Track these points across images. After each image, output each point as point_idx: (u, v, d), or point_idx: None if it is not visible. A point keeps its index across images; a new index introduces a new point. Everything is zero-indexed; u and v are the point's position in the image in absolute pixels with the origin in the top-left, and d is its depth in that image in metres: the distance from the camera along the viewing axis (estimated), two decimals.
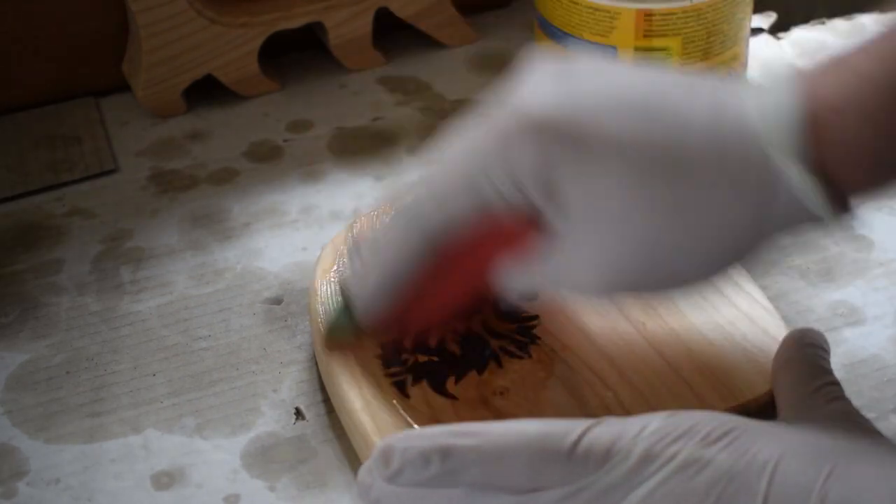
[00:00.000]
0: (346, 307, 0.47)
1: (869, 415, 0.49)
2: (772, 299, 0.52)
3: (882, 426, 0.48)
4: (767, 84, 0.41)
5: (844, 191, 0.40)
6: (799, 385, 0.44)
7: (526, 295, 0.46)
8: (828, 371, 0.45)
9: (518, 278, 0.44)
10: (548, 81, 0.42)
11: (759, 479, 0.38)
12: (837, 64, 0.41)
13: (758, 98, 0.40)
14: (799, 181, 0.40)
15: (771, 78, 0.41)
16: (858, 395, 0.50)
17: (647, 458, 0.38)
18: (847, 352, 0.52)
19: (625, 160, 0.40)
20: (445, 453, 0.39)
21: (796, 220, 0.41)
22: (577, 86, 0.41)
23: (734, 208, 0.40)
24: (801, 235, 0.42)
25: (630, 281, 0.42)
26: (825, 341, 0.47)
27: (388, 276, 0.45)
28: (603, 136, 0.40)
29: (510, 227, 0.42)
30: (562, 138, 0.40)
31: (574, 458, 0.39)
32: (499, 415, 0.46)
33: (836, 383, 0.44)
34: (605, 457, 0.39)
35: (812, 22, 0.77)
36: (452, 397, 0.47)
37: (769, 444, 0.39)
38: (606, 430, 0.39)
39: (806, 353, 0.46)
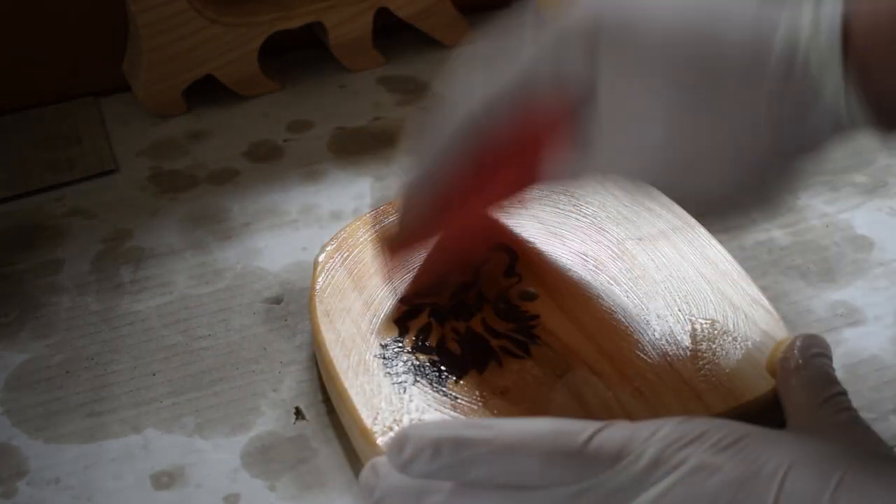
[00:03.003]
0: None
1: (869, 415, 0.49)
2: (772, 299, 0.52)
3: (882, 426, 0.49)
4: None
5: (885, 104, 0.39)
6: (808, 395, 0.44)
7: (570, 176, 0.46)
8: (835, 381, 0.45)
9: (561, 166, 0.45)
10: None
11: (768, 487, 0.38)
12: None
13: (801, 9, 0.40)
14: (837, 92, 0.39)
15: None
16: (858, 395, 0.50)
17: (658, 462, 0.38)
18: (847, 352, 0.52)
19: (665, 56, 0.40)
20: (457, 444, 0.39)
21: (831, 133, 0.40)
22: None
23: (762, 113, 0.40)
24: (831, 149, 0.41)
25: (661, 173, 0.42)
26: (828, 347, 0.47)
27: (439, 177, 0.46)
28: (648, 32, 0.41)
29: (553, 116, 0.43)
30: (613, 34, 0.41)
31: (585, 457, 0.39)
32: (499, 415, 0.46)
33: (843, 393, 0.44)
34: (615, 457, 0.39)
35: None
36: (453, 397, 0.47)
37: (779, 452, 0.39)
38: (618, 432, 0.39)
39: (813, 361, 0.46)
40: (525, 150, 0.45)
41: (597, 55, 0.41)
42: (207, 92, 0.71)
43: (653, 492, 0.38)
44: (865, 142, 0.65)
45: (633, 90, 0.41)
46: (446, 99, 0.46)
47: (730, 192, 0.42)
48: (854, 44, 0.38)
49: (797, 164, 0.41)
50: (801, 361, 0.46)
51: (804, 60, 0.39)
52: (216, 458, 0.49)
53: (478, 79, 0.45)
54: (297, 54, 0.75)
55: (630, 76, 0.41)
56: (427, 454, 0.39)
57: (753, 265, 0.57)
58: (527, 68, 0.44)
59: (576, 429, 0.40)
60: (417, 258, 0.51)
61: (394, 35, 0.75)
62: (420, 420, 0.46)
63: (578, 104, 0.43)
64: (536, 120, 0.44)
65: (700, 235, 0.54)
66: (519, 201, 0.49)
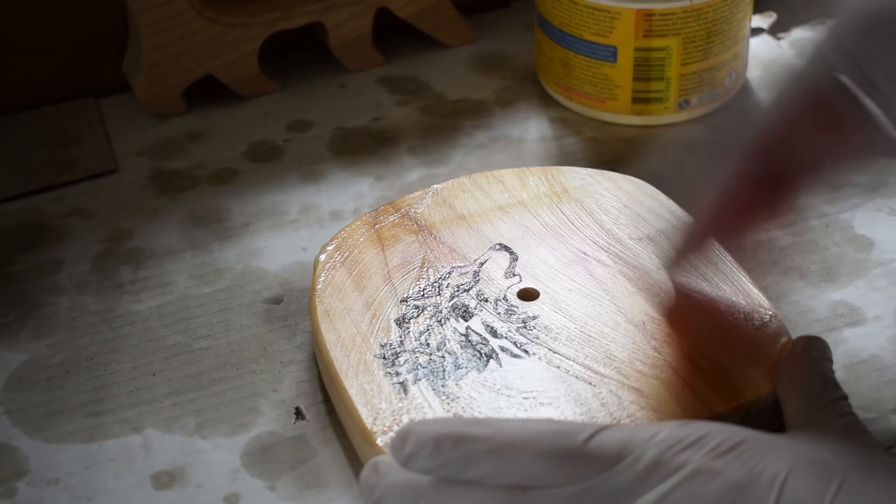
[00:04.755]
0: None
1: (869, 415, 0.49)
2: (772, 299, 0.52)
3: (882, 426, 0.49)
4: None
5: None
6: (808, 398, 0.44)
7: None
8: (836, 385, 0.45)
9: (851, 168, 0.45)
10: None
11: (768, 492, 0.38)
12: None
13: None
14: None
15: None
16: (858, 395, 0.50)
17: (657, 465, 0.38)
18: (847, 352, 0.52)
19: None
20: (457, 441, 0.39)
21: None
22: None
23: None
24: None
25: None
26: (829, 349, 0.47)
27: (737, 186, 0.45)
28: None
29: (844, 121, 0.43)
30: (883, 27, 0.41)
31: (584, 457, 0.39)
32: (499, 415, 0.46)
33: (844, 398, 0.44)
34: (614, 458, 0.39)
35: (812, 22, 0.77)
36: (453, 397, 0.47)
37: (779, 457, 0.39)
38: (617, 433, 0.39)
39: (814, 365, 0.46)
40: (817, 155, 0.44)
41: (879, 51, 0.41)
42: (207, 92, 0.71)
43: (652, 495, 0.38)
44: None
45: None
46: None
47: None
48: None
49: None
50: (801, 365, 0.46)
51: None
52: (216, 458, 0.49)
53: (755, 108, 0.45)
54: (297, 54, 0.74)
55: None
56: (428, 450, 0.39)
57: (753, 265, 0.57)
58: (813, 71, 0.43)
59: (575, 429, 0.40)
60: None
61: (394, 35, 0.75)
62: (419, 420, 0.46)
63: (865, 112, 0.42)
64: (826, 120, 0.43)
65: None
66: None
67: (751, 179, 0.45)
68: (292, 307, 0.56)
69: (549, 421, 0.41)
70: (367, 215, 0.57)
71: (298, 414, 0.51)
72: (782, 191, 0.45)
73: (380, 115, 0.70)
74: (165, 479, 0.48)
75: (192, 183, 0.65)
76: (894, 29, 0.41)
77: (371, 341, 0.50)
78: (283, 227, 0.62)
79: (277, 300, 0.57)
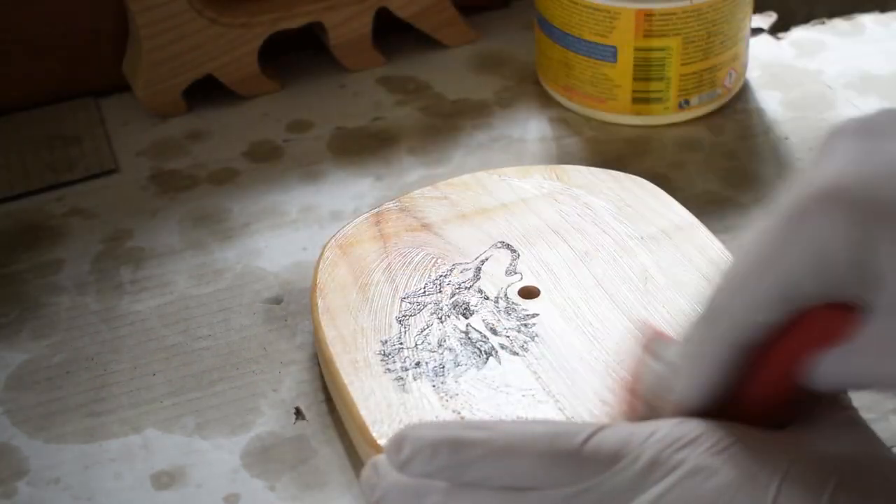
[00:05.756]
0: None
1: (869, 415, 0.49)
2: None
3: (882, 426, 0.48)
4: None
5: None
6: (807, 393, 0.44)
7: (840, 386, 0.40)
8: None
9: (832, 369, 0.38)
10: (851, 148, 0.37)
11: (766, 489, 0.38)
12: None
13: None
14: None
15: None
16: (858, 395, 0.50)
17: (655, 464, 0.38)
18: None
19: None
20: (455, 445, 0.39)
21: None
22: (888, 151, 0.36)
23: None
24: None
25: None
26: None
27: (699, 385, 0.40)
28: None
29: (823, 317, 0.38)
30: (877, 212, 0.35)
31: (582, 458, 0.39)
32: (498, 414, 0.46)
33: (844, 391, 0.44)
34: (612, 459, 0.39)
35: (812, 22, 0.77)
36: (452, 395, 0.47)
37: (777, 453, 0.39)
38: (615, 433, 0.39)
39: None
40: (793, 355, 0.39)
41: (869, 244, 0.35)
42: (207, 92, 0.71)
43: (650, 494, 0.38)
44: None
45: None
46: (701, 320, 0.40)
47: None
48: None
49: None
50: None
51: None
52: (216, 458, 0.49)
53: (730, 299, 0.39)
54: (297, 54, 0.74)
55: None
56: (425, 455, 0.39)
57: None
58: (785, 278, 0.37)
59: (573, 430, 0.39)
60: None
61: (394, 35, 0.75)
62: (420, 418, 0.46)
63: (850, 305, 0.37)
64: (804, 328, 0.38)
65: (702, 235, 0.54)
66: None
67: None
68: (292, 307, 0.56)
69: (547, 422, 0.41)
70: (370, 212, 0.57)
71: (298, 414, 0.51)
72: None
73: (380, 115, 0.70)
74: (165, 479, 0.48)
75: (192, 183, 0.65)
76: None
77: (372, 338, 0.50)
78: (283, 227, 0.62)
79: (277, 300, 0.57)
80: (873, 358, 0.37)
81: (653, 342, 0.43)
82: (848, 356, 0.37)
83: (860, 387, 0.39)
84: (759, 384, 0.40)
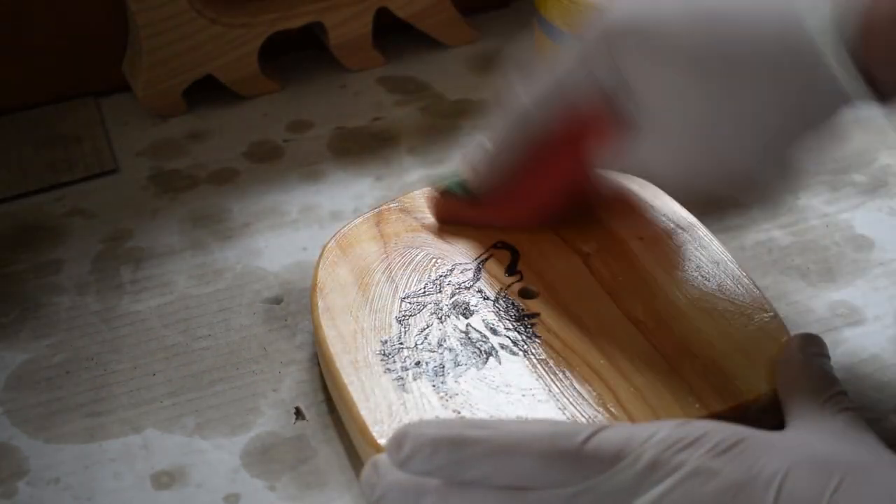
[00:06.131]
0: (462, 180, 0.55)
1: (869, 415, 0.49)
2: (772, 299, 0.52)
3: (882, 426, 0.49)
4: None
5: (885, 91, 0.42)
6: (807, 395, 0.44)
7: (615, 165, 0.50)
8: (835, 380, 0.45)
9: (605, 164, 0.50)
10: None
11: (766, 490, 0.38)
12: None
13: (816, 2, 0.42)
14: (843, 74, 0.41)
15: None
16: (859, 395, 0.50)
17: (656, 465, 0.38)
18: (847, 352, 0.52)
19: (683, 56, 0.44)
20: (455, 444, 0.39)
21: (837, 106, 0.43)
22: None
23: (778, 98, 0.43)
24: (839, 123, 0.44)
25: (697, 166, 0.45)
26: (826, 347, 0.47)
27: (498, 160, 0.52)
28: (666, 36, 0.44)
29: (595, 119, 0.48)
30: (629, 39, 0.45)
31: (582, 458, 0.39)
32: (498, 413, 0.46)
33: (843, 393, 0.44)
34: (613, 459, 0.39)
35: None
36: (452, 394, 0.47)
37: (777, 455, 0.39)
38: (616, 434, 0.39)
39: (813, 361, 0.46)
40: (574, 141, 0.50)
41: (623, 57, 0.45)
42: (207, 92, 0.71)
43: (651, 495, 0.38)
44: (865, 142, 0.65)
45: (657, 85, 0.45)
46: (500, 100, 0.51)
47: (751, 170, 0.44)
48: (865, 37, 0.41)
49: (810, 141, 0.44)
50: (801, 361, 0.46)
51: (811, 48, 0.41)
52: (216, 458, 0.49)
53: (521, 84, 0.50)
54: (297, 54, 0.74)
55: (653, 74, 0.45)
56: (425, 453, 0.39)
57: (754, 265, 0.57)
58: (561, 75, 0.49)
59: (574, 430, 0.40)
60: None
61: (394, 35, 0.75)
62: (420, 418, 0.46)
63: (614, 101, 0.47)
64: (580, 116, 0.49)
65: (701, 235, 0.54)
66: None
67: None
68: (292, 307, 0.56)
69: (548, 422, 0.41)
70: (370, 212, 0.57)
71: (298, 414, 0.51)
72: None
73: (380, 115, 0.70)
74: (165, 479, 0.48)
75: (192, 183, 0.65)
76: (642, 38, 0.45)
77: (372, 338, 0.50)
78: (283, 227, 0.62)
79: (277, 300, 0.57)
80: (636, 156, 0.47)
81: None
82: (618, 154, 0.47)
83: (639, 175, 0.50)
84: (545, 168, 0.52)
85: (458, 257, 0.54)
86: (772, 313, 0.50)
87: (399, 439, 0.40)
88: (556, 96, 0.49)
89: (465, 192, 0.54)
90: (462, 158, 0.56)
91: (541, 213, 0.54)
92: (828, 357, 0.46)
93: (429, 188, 0.57)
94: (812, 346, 0.46)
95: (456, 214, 0.55)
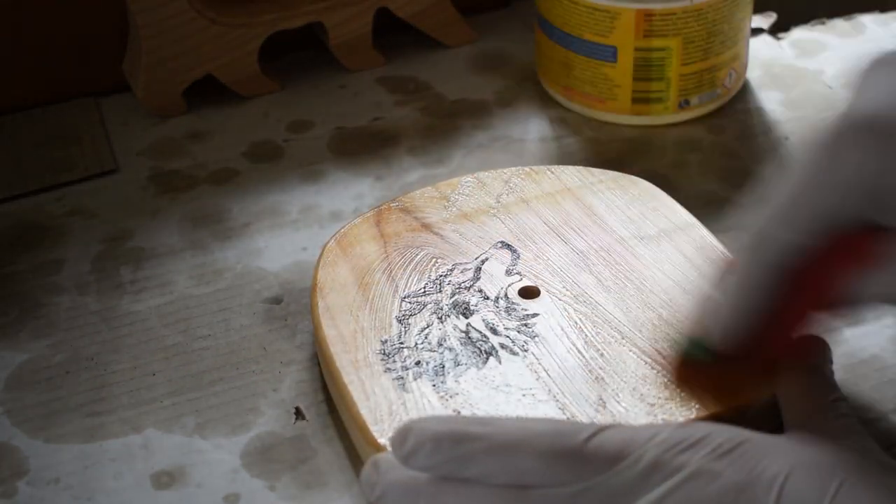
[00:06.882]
0: (698, 339, 0.46)
1: (869, 415, 0.49)
2: None
3: (882, 426, 0.48)
4: None
5: None
6: (807, 399, 0.44)
7: (877, 303, 0.43)
8: (835, 386, 0.45)
9: (867, 288, 0.41)
10: (885, 80, 0.39)
11: (767, 493, 0.38)
12: None
13: None
14: None
15: None
16: (859, 395, 0.50)
17: (657, 466, 0.38)
18: (847, 352, 0.52)
19: None
20: (457, 439, 0.39)
21: None
22: None
23: None
24: None
25: None
26: (829, 350, 0.47)
27: (744, 305, 0.43)
28: None
29: (857, 241, 0.40)
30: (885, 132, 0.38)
31: (583, 457, 0.39)
32: (499, 413, 0.46)
33: (843, 399, 0.44)
34: (614, 459, 0.39)
35: (812, 22, 0.77)
36: (453, 394, 0.47)
37: (778, 458, 0.39)
38: (617, 434, 0.39)
39: (813, 366, 0.46)
40: (832, 270, 0.42)
41: (883, 158, 0.38)
42: (207, 92, 0.71)
43: (652, 495, 0.38)
44: None
45: None
46: (744, 249, 0.43)
47: None
48: None
49: None
50: (800, 366, 0.46)
51: None
52: (216, 458, 0.49)
53: (764, 212, 0.42)
54: (297, 54, 0.75)
55: None
56: (428, 448, 0.39)
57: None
58: (823, 200, 0.40)
59: (575, 429, 0.40)
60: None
61: (394, 35, 0.75)
62: (420, 417, 0.46)
63: (882, 213, 0.39)
64: (847, 238, 0.41)
65: (702, 235, 0.54)
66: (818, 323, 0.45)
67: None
68: (292, 307, 0.56)
69: (550, 420, 0.42)
70: (370, 212, 0.57)
71: (298, 414, 0.51)
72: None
73: (380, 115, 0.70)
74: (165, 479, 0.48)
75: (192, 183, 0.65)
76: None
77: (372, 338, 0.50)
78: (283, 227, 0.62)
79: (277, 300, 0.57)
80: None
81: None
82: (881, 276, 0.40)
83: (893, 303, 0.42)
84: (797, 306, 0.43)
85: (458, 257, 0.54)
86: None
87: (403, 434, 0.40)
88: (815, 221, 0.40)
89: (706, 352, 0.46)
90: (689, 317, 0.46)
91: (790, 352, 0.46)
92: (830, 361, 0.46)
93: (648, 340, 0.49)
94: (813, 350, 0.46)
95: (703, 379, 0.47)
